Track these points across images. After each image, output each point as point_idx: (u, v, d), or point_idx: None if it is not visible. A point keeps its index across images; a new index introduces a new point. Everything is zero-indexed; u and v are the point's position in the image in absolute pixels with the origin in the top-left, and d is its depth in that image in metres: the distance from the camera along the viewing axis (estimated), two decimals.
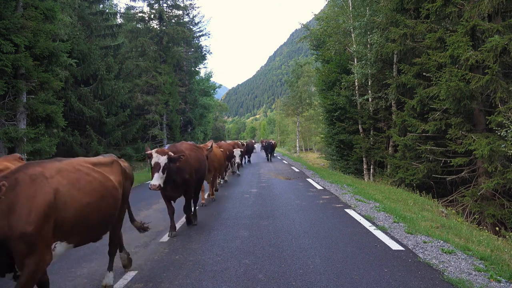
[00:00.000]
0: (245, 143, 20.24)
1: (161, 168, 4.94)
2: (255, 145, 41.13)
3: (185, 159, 5.43)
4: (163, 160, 4.98)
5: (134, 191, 11.47)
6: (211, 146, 8.15)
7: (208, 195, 8.94)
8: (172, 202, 5.93)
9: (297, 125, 44.50)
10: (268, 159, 25.20)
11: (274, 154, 31.52)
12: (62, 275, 4.31)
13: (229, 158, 12.90)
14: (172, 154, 5.12)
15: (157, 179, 4.88)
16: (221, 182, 11.99)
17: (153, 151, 5.09)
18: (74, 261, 4.81)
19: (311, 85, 39.36)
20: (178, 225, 6.37)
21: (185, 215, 6.30)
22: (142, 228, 4.46)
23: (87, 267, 4.53)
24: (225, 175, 12.75)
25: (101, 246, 5.49)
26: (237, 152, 13.11)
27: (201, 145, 8.16)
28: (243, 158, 19.77)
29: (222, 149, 10.49)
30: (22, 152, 10.64)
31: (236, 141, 19.81)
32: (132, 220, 4.51)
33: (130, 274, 4.19)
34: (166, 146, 11.38)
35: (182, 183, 5.66)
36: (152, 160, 5.00)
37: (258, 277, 3.94)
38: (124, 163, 3.97)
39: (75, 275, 4.27)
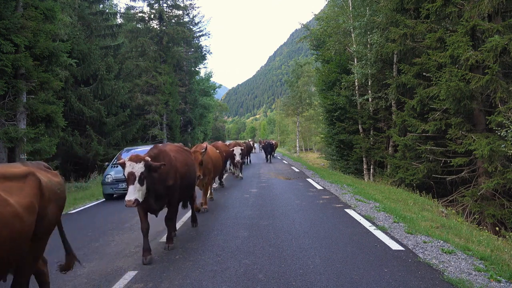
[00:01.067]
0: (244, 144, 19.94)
1: (137, 178, 4.07)
2: (255, 145, 41.13)
3: (168, 162, 4.65)
4: (138, 168, 4.09)
5: None
6: (205, 149, 7.28)
7: (201, 204, 7.76)
8: (154, 215, 4.99)
9: (297, 125, 44.53)
10: (267, 160, 23.91)
11: (274, 154, 31.17)
12: (62, 275, 4.31)
13: (226, 160, 12.02)
14: (149, 160, 4.23)
15: (132, 193, 4.02)
16: (217, 186, 11.20)
17: (126, 158, 4.22)
18: None
19: (311, 85, 39.39)
20: (178, 225, 6.36)
21: (167, 229, 5.18)
22: (65, 269, 3.42)
23: (87, 267, 4.53)
24: (223, 177, 11.92)
25: (101, 246, 5.50)
26: (237, 150, 12.10)
27: (195, 146, 7.56)
28: (244, 158, 18.72)
29: (218, 150, 9.64)
30: (22, 152, 10.65)
31: (236, 141, 19.41)
32: (67, 251, 3.44)
33: (130, 274, 4.19)
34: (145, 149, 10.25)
35: (166, 192, 4.72)
36: (125, 170, 4.12)
37: (258, 277, 3.94)
38: (55, 179, 2.94)
39: (75, 275, 4.27)
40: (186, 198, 6.09)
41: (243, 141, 26.29)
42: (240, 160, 12.50)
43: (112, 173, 10.24)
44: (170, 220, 5.11)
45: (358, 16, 16.87)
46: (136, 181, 4.07)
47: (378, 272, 3.96)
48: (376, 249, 4.76)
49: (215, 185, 10.92)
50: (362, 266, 4.15)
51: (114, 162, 10.69)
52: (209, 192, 8.62)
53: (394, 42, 12.61)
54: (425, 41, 11.05)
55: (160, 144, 5.20)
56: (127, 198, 4.01)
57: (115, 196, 10.46)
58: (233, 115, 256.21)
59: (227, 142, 16.16)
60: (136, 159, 4.15)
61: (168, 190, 4.72)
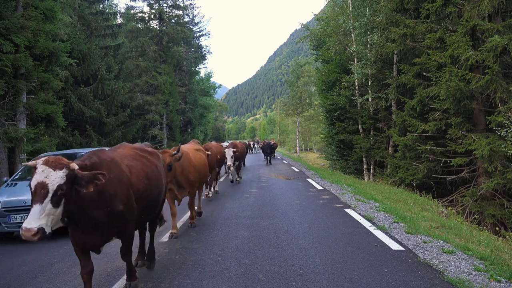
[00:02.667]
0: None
1: (50, 194, 2.50)
2: (255, 145, 41.08)
3: (117, 176, 3.17)
4: (55, 178, 2.53)
5: None
6: (178, 151, 5.34)
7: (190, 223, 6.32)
8: (95, 252, 3.26)
9: (297, 125, 44.56)
10: (267, 162, 21.71)
11: (274, 155, 30.88)
12: (62, 275, 4.31)
13: (220, 163, 10.39)
14: (76, 167, 2.68)
15: (36, 218, 2.43)
16: (210, 194, 9.48)
17: (40, 160, 2.62)
18: (74, 261, 4.80)
19: (311, 85, 39.42)
20: (178, 225, 6.36)
21: (126, 265, 3.66)
22: None
23: None
24: (215, 184, 10.23)
25: None
26: (228, 152, 10.33)
27: (172, 149, 5.54)
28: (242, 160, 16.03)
29: (210, 152, 8.12)
30: (22, 152, 10.65)
31: (235, 141, 18.38)
32: None
33: None
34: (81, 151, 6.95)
35: (111, 221, 3.08)
36: (33, 179, 2.54)
37: (258, 277, 3.94)
38: None
39: (75, 275, 4.27)
40: (151, 220, 4.36)
41: (240, 141, 25.35)
42: (232, 165, 10.46)
43: (3, 198, 6.19)
44: (126, 256, 3.55)
45: (358, 16, 16.88)
46: (48, 199, 2.49)
47: (378, 272, 3.96)
48: (376, 249, 4.76)
49: (207, 193, 9.42)
50: (362, 266, 4.15)
51: (16, 177, 7.05)
52: (194, 209, 6.54)
53: (394, 42, 12.62)
54: (425, 41, 11.05)
55: (105, 149, 3.54)
56: (25, 224, 2.40)
57: (15, 235, 6.49)
58: (233, 115, 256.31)
59: (226, 143, 15.77)
60: (55, 163, 2.59)
61: (115, 218, 3.10)
